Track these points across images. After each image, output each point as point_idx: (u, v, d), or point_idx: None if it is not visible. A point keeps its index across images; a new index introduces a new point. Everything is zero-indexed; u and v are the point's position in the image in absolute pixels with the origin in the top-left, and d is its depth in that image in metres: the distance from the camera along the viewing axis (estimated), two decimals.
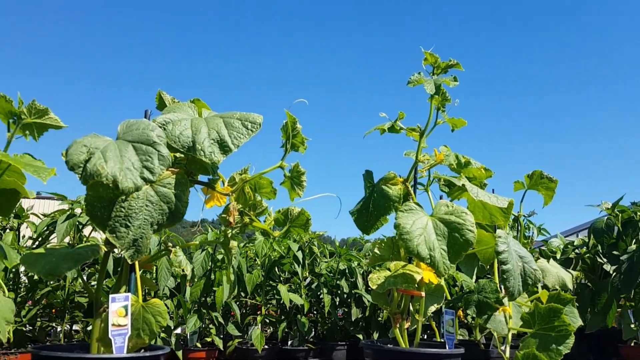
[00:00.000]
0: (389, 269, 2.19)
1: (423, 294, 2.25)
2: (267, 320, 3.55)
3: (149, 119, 1.85)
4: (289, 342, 3.73)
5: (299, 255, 3.52)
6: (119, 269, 1.71)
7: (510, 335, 2.58)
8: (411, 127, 2.35)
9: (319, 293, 3.69)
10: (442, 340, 2.54)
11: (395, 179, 2.23)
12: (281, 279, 3.74)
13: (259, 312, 3.45)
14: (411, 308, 2.30)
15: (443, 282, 2.39)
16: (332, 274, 3.84)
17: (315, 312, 3.93)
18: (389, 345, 2.20)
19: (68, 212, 2.77)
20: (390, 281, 2.09)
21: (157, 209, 1.60)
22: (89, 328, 3.15)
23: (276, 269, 3.70)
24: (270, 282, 3.65)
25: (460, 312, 2.89)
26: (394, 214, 2.26)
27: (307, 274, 3.68)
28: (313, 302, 3.69)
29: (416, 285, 2.13)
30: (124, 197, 1.54)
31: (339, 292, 3.83)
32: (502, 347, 2.63)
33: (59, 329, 3.13)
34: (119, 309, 1.50)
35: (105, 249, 1.55)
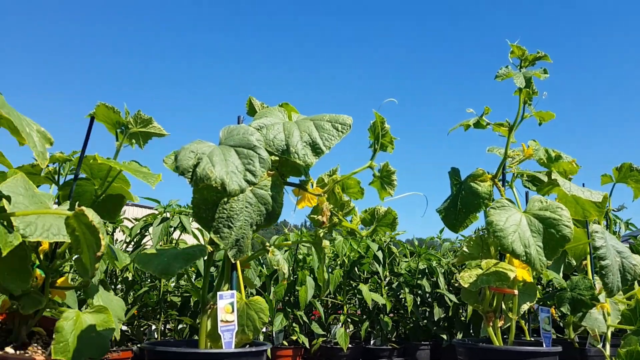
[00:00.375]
0: (480, 267, 2.15)
1: (516, 292, 2.20)
2: (349, 320, 3.58)
3: (242, 124, 1.92)
4: (372, 342, 3.74)
5: (380, 255, 3.52)
6: (221, 268, 1.78)
7: (609, 333, 2.47)
8: (499, 122, 2.30)
9: (399, 293, 3.68)
10: (532, 339, 2.48)
11: (484, 175, 2.20)
12: (361, 278, 3.75)
13: (340, 312, 3.49)
14: (503, 306, 2.25)
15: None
16: (411, 274, 3.81)
17: (395, 312, 3.91)
18: (483, 344, 2.16)
19: (162, 217, 2.92)
20: (483, 279, 2.05)
21: (255, 210, 1.66)
22: (180, 327, 3.29)
23: (355, 269, 3.72)
24: (350, 282, 3.68)
25: (552, 310, 2.80)
26: (481, 211, 2.24)
27: (387, 273, 3.68)
28: (393, 301, 3.68)
29: (509, 284, 2.08)
30: (225, 200, 1.61)
31: (419, 291, 3.80)
32: (601, 345, 2.52)
33: (153, 328, 3.30)
34: (226, 305, 1.57)
35: (211, 249, 1.62)
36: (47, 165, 2.12)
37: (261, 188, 1.66)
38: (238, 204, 1.62)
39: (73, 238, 1.52)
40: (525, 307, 2.30)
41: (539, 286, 3.90)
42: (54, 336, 1.59)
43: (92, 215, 1.36)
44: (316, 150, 1.68)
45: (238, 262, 1.72)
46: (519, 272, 2.11)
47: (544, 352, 2.05)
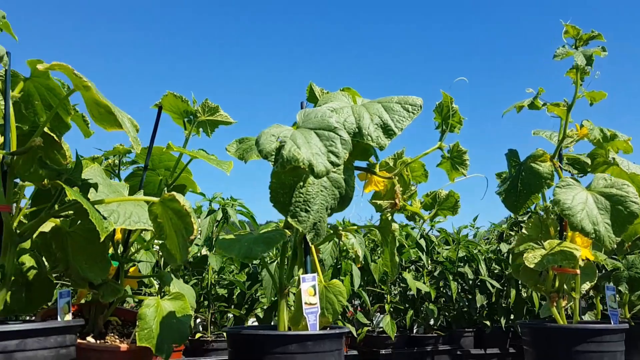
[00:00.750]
0: (544, 248, 2.14)
1: (578, 271, 2.18)
2: (391, 309, 3.57)
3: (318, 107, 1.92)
4: (414, 330, 3.73)
5: (422, 242, 3.52)
6: (292, 253, 1.78)
7: None
8: (555, 102, 2.28)
9: (441, 280, 3.67)
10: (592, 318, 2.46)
11: (544, 155, 2.18)
12: (401, 267, 3.74)
13: (385, 301, 3.48)
14: (564, 286, 2.24)
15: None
16: (451, 262, 3.80)
17: (437, 300, 3.91)
18: (550, 324, 2.15)
19: (209, 209, 2.94)
20: (549, 259, 2.04)
21: (330, 194, 1.67)
22: (230, 315, 3.30)
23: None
24: None
25: None
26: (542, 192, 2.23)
27: (429, 261, 3.67)
28: (435, 289, 3.67)
29: (574, 263, 2.07)
30: (302, 184, 1.62)
31: (459, 279, 3.79)
32: None
33: (198, 320, 3.31)
34: (309, 288, 1.58)
35: (289, 234, 1.63)
36: (107, 158, 2.14)
37: (335, 172, 1.66)
38: (314, 187, 1.62)
39: (156, 225, 1.54)
40: (585, 286, 2.28)
41: None
42: (137, 323, 1.60)
43: (183, 200, 1.37)
44: (388, 132, 1.67)
45: (313, 246, 1.72)
46: (582, 251, 2.10)
47: (612, 329, 2.04)
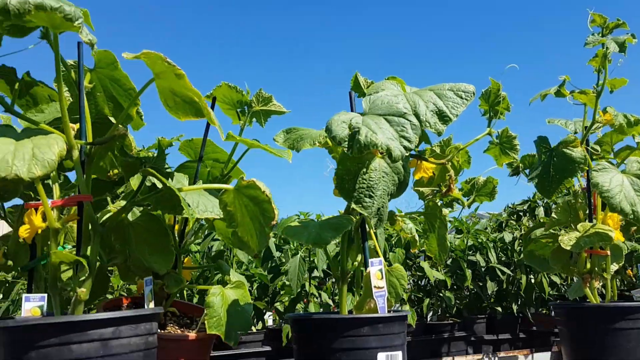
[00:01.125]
0: (577, 230, 2.21)
1: (609, 252, 2.26)
2: (410, 297, 3.63)
3: (353, 100, 1.95)
4: (429, 317, 3.79)
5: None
6: (347, 239, 1.81)
7: None
8: (582, 89, 2.35)
9: (456, 269, 3.74)
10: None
11: (575, 141, 2.25)
12: (416, 256, 3.80)
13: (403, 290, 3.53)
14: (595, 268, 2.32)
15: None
16: (462, 250, 3.87)
17: (451, 288, 3.98)
18: (587, 303, 2.23)
19: None
20: (585, 241, 2.11)
21: (390, 180, 1.70)
22: None
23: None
24: (407, 261, 3.72)
25: (629, 271, 2.89)
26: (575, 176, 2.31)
27: None
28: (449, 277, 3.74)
29: (610, 243, 2.15)
30: (364, 170, 1.64)
31: (469, 267, 3.87)
32: None
33: None
34: (377, 272, 1.61)
35: (355, 219, 1.66)
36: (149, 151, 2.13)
37: None
38: (376, 174, 1.65)
39: (226, 213, 1.55)
40: (614, 267, 2.37)
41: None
42: (205, 311, 1.61)
43: (263, 186, 1.39)
44: (444, 118, 1.71)
45: (372, 232, 1.75)
46: (615, 233, 2.18)
47: None
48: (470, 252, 3.87)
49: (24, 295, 1.50)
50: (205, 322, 1.59)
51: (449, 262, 3.80)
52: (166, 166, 1.64)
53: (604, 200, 2.02)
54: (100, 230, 1.35)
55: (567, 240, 2.17)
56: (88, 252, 1.33)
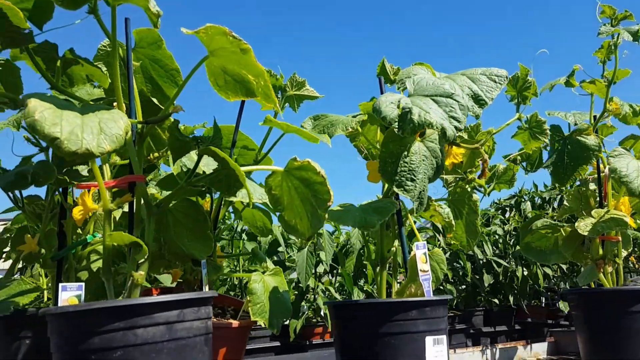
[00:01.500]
0: (592, 216, 2.26)
1: (620, 238, 2.33)
2: None
3: (382, 86, 1.95)
4: None
5: (439, 225, 3.62)
6: (386, 224, 1.80)
7: None
8: (591, 79, 2.41)
9: (454, 261, 3.78)
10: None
11: (589, 129, 2.30)
12: None
13: None
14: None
15: None
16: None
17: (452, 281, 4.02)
18: (603, 287, 2.28)
19: None
20: (602, 226, 2.16)
21: (429, 164, 1.70)
22: None
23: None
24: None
25: (632, 258, 2.97)
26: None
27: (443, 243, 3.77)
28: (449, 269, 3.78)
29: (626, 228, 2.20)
30: (406, 153, 1.64)
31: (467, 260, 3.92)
32: None
33: None
34: (422, 255, 1.60)
35: (398, 203, 1.65)
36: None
37: (431, 141, 1.70)
38: (417, 157, 1.64)
39: (270, 197, 1.52)
40: (624, 253, 2.44)
41: None
42: (248, 298, 1.58)
43: (318, 166, 1.37)
44: (479, 102, 1.72)
45: (410, 217, 1.75)
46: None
47: None
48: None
49: (60, 285, 1.43)
50: (250, 308, 1.55)
51: (447, 255, 3.85)
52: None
53: (622, 185, 2.08)
54: (155, 213, 1.30)
55: (584, 226, 2.22)
56: (144, 235, 1.28)
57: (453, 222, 1.78)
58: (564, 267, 4.08)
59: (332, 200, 1.37)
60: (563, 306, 3.94)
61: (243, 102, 1.82)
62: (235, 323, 1.58)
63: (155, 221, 1.57)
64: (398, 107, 1.48)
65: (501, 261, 3.78)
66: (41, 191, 1.78)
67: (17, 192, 1.79)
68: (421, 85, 1.58)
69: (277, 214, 1.52)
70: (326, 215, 1.36)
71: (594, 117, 2.47)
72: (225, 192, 1.36)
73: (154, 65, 1.51)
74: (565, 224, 2.68)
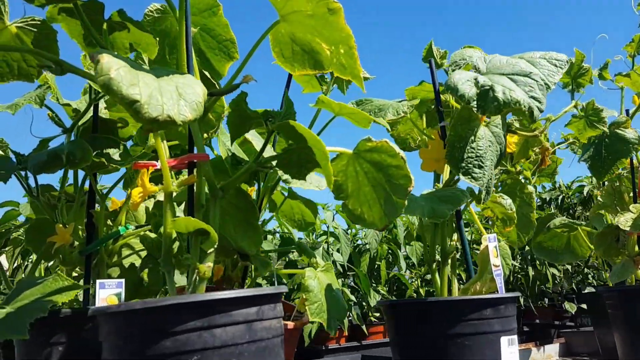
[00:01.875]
0: (631, 211, 2.19)
1: None
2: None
3: (433, 68, 1.83)
4: None
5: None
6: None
7: None
8: (627, 72, 2.35)
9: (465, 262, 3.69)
10: None
11: (627, 122, 2.24)
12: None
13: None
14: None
15: None
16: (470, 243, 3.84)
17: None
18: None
19: None
20: None
21: (494, 150, 1.58)
22: None
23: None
24: None
25: None
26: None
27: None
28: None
29: None
30: (472, 138, 1.52)
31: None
32: None
33: None
34: (493, 249, 1.48)
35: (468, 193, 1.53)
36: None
37: (496, 126, 1.59)
38: (484, 142, 1.53)
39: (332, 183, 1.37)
40: None
41: None
42: (304, 296, 1.43)
43: (397, 147, 1.23)
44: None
45: (471, 208, 1.63)
46: None
47: None
48: (475, 245, 3.84)
49: (98, 282, 1.26)
50: (307, 308, 1.40)
51: (457, 255, 3.75)
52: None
53: None
54: (220, 196, 1.14)
55: (624, 221, 2.15)
56: (211, 220, 1.12)
57: (515, 215, 1.67)
58: (569, 267, 4.04)
59: (413, 185, 1.23)
60: (569, 307, 3.89)
61: (289, 82, 1.67)
62: (290, 324, 1.42)
63: (202, 211, 1.42)
64: (475, 85, 1.36)
65: (510, 260, 3.70)
66: (53, 180, 1.60)
67: (31, 180, 1.61)
68: (494, 64, 1.47)
69: (340, 202, 1.37)
70: (406, 202, 1.22)
71: (626, 111, 2.41)
72: (295, 174, 1.20)
73: (204, 36, 1.34)
74: (582, 223, 2.62)
